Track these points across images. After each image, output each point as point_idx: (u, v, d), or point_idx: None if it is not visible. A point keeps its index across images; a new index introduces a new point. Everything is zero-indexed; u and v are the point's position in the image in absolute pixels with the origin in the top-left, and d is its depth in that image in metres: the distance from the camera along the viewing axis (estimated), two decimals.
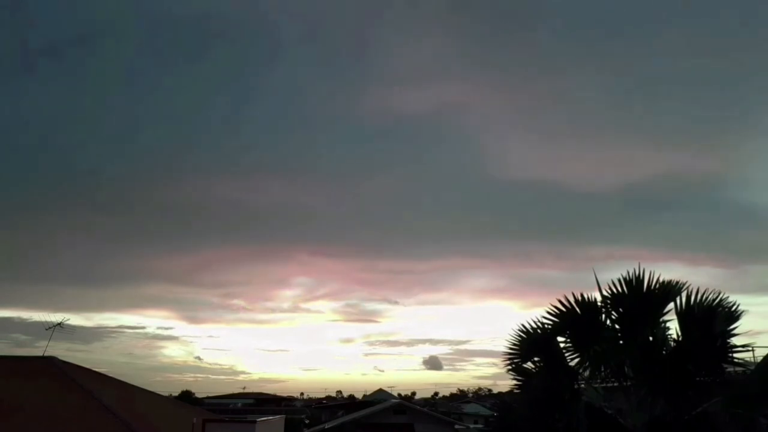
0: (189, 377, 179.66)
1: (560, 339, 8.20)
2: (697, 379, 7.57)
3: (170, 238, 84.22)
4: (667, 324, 7.80)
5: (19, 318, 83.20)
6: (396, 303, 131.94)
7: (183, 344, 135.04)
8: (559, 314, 8.03)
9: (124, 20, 71.22)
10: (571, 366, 8.03)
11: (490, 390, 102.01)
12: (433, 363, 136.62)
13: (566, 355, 8.10)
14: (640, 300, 7.63)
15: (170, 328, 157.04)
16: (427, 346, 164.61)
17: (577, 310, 7.96)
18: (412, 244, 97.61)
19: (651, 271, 7.62)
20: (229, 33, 75.37)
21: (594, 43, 71.05)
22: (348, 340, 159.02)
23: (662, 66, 68.03)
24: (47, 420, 15.91)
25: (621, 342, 7.91)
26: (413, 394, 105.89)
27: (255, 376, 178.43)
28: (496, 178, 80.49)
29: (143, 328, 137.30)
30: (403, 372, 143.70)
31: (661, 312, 7.72)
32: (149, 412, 20.58)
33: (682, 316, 7.51)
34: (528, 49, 73.42)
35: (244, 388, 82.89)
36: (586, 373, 8.06)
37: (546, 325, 8.20)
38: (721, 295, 7.36)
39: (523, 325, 8.39)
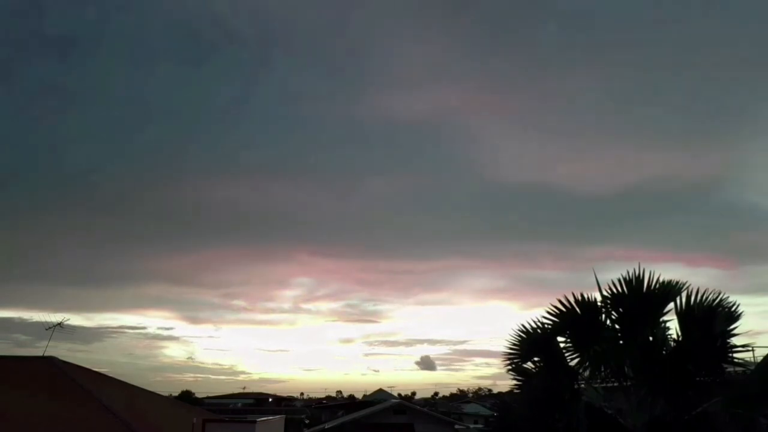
0: (189, 377, 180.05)
1: (560, 339, 8.20)
2: (697, 379, 7.57)
3: (171, 238, 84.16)
4: (667, 324, 7.81)
5: (19, 318, 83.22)
6: (396, 303, 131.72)
7: (183, 344, 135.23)
8: (559, 314, 8.04)
9: (124, 22, 71.20)
10: (571, 366, 8.03)
11: (490, 390, 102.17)
12: (426, 363, 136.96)
13: (566, 355, 8.11)
14: (640, 300, 7.64)
15: (171, 329, 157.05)
16: (425, 346, 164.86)
17: (577, 310, 7.96)
18: (412, 244, 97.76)
19: (651, 271, 7.64)
20: (229, 35, 75.27)
21: (592, 44, 71.08)
22: (348, 340, 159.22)
23: (661, 67, 68.11)
24: (47, 420, 15.90)
25: (621, 342, 7.91)
26: (413, 394, 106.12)
27: (255, 376, 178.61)
28: (496, 180, 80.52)
29: (144, 328, 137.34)
30: (398, 372, 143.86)
31: (661, 312, 7.72)
32: (149, 412, 20.59)
33: (682, 316, 7.52)
34: (526, 52, 73.48)
35: (244, 388, 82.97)
36: (586, 373, 8.06)
37: (546, 325, 8.20)
38: (721, 296, 7.37)
39: (523, 325, 8.40)
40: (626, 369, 7.81)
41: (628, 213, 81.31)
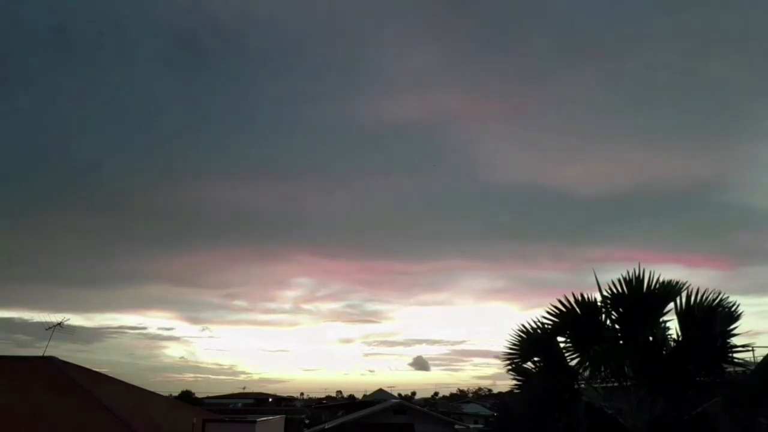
0: (189, 377, 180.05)
1: (560, 339, 8.21)
2: (697, 379, 7.57)
3: (171, 238, 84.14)
4: (667, 324, 7.81)
5: (20, 319, 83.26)
6: (396, 304, 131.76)
7: (184, 344, 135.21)
8: (559, 314, 8.04)
9: (124, 24, 71.27)
10: (571, 366, 8.03)
11: (490, 390, 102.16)
12: (420, 363, 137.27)
13: (566, 355, 8.11)
14: (640, 300, 7.64)
15: (171, 329, 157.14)
16: (424, 346, 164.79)
17: (577, 310, 7.96)
18: (412, 245, 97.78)
19: (651, 271, 7.65)
20: (229, 38, 75.40)
21: (590, 46, 71.16)
22: (348, 341, 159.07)
23: (660, 68, 68.11)
24: (47, 420, 15.90)
25: (621, 342, 7.91)
26: (413, 394, 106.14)
27: (255, 376, 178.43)
28: (495, 181, 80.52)
29: (144, 328, 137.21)
30: (392, 372, 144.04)
31: (661, 312, 7.72)
32: (149, 412, 20.58)
33: (682, 316, 7.52)
34: (523, 54, 73.54)
35: (244, 388, 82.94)
36: (586, 373, 8.06)
37: (546, 325, 8.20)
38: (720, 296, 7.37)
39: (523, 325, 8.40)
40: (626, 369, 7.81)
41: (626, 214, 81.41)
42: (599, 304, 7.93)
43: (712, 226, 77.94)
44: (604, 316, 7.97)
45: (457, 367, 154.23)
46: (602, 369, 7.90)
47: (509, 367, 8.48)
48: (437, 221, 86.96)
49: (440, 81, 77.61)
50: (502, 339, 8.60)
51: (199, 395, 74.70)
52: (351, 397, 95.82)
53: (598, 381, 8.10)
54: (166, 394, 43.38)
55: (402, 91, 73.52)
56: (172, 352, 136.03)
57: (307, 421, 45.62)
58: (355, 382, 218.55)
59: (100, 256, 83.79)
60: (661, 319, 7.78)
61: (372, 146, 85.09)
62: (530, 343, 8.28)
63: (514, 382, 8.49)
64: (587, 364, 7.96)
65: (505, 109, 68.86)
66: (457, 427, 40.00)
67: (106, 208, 74.44)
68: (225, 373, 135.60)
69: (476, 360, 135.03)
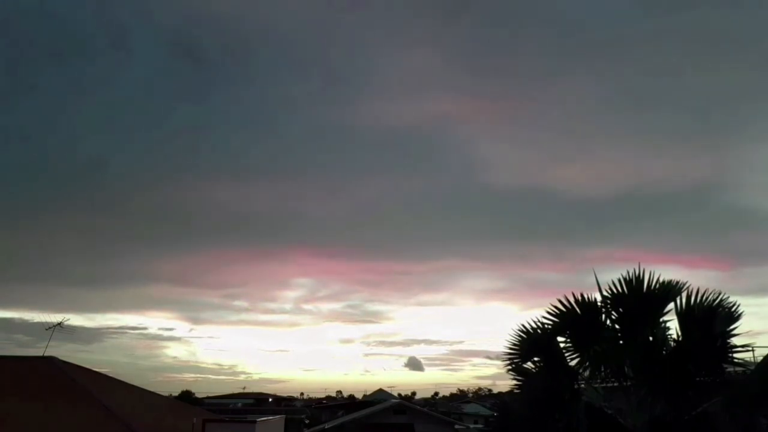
0: (189, 377, 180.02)
1: (560, 339, 8.20)
2: (697, 379, 7.57)
3: (172, 239, 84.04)
4: (667, 324, 7.81)
5: (20, 319, 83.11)
6: (397, 304, 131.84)
7: (184, 345, 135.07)
8: (559, 314, 8.03)
9: (123, 25, 71.36)
10: (571, 366, 8.03)
11: (490, 390, 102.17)
12: (414, 364, 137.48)
13: (566, 355, 8.10)
14: (640, 300, 7.63)
15: (172, 329, 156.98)
16: (423, 346, 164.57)
17: (577, 310, 7.96)
18: (413, 245, 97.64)
19: (651, 271, 7.63)
20: (229, 42, 75.54)
21: (588, 48, 71.25)
22: (348, 341, 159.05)
23: (659, 70, 68.20)
24: (47, 420, 15.90)
25: (621, 342, 7.91)
26: (413, 394, 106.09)
27: (255, 377, 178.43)
28: (494, 182, 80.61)
29: (145, 328, 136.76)
30: (388, 372, 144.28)
31: (661, 312, 7.72)
32: (149, 412, 20.58)
33: (682, 316, 7.51)
34: (522, 57, 73.66)
35: (244, 388, 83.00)
36: (586, 373, 8.05)
37: (546, 325, 8.20)
38: (720, 296, 7.36)
39: (523, 325, 8.39)
40: (626, 369, 7.81)
41: (625, 215, 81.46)
42: (599, 304, 7.93)
43: (711, 227, 78.02)
44: (604, 316, 7.96)
45: (456, 367, 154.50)
46: (602, 369, 7.89)
47: (509, 367, 8.48)
48: (437, 222, 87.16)
49: (439, 83, 77.92)
50: (502, 339, 8.61)
51: (199, 395, 74.74)
52: (351, 397, 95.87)
53: (598, 381, 8.10)
54: (166, 394, 43.41)
55: (402, 93, 73.89)
56: (173, 352, 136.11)
57: (307, 421, 45.61)
58: (355, 382, 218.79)
59: (100, 256, 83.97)
60: (661, 319, 7.77)
61: (372, 147, 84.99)
62: (530, 343, 8.27)
63: (514, 382, 8.48)
64: (587, 364, 7.95)
65: (506, 111, 68.95)
66: (457, 427, 40.00)
67: (106, 208, 74.47)
68: (225, 373, 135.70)
69: (476, 360, 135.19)
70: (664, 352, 7.76)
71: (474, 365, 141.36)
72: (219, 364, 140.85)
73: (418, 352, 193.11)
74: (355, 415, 41.04)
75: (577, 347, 8.02)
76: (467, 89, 73.92)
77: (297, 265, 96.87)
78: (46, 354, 20.24)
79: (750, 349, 7.46)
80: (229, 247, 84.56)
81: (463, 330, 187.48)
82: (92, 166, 74.92)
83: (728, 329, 7.24)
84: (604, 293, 7.86)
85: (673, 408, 7.36)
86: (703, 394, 7.34)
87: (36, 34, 70.76)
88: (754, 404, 6.84)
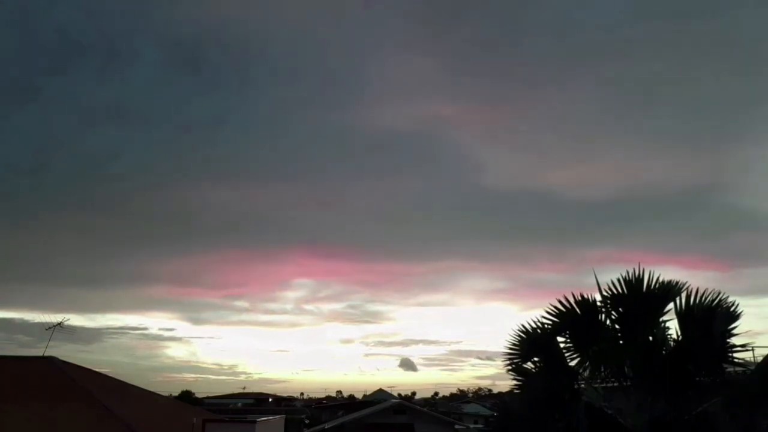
0: (189, 377, 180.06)
1: (560, 339, 8.20)
2: (697, 379, 7.58)
3: (173, 239, 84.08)
4: (667, 324, 7.80)
5: (21, 319, 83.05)
6: (397, 304, 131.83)
7: (184, 345, 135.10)
8: (559, 314, 8.03)
9: (123, 31, 71.56)
10: (571, 366, 8.02)
11: (490, 390, 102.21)
12: (408, 364, 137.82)
13: (566, 355, 8.10)
14: (640, 300, 7.63)
15: (172, 329, 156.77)
16: (423, 346, 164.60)
17: (577, 310, 7.95)
18: (413, 246, 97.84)
19: (651, 271, 7.63)
20: (227, 45, 75.79)
21: (588, 50, 71.27)
22: (348, 341, 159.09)
23: (658, 71, 68.26)
24: (47, 420, 15.90)
25: (621, 342, 7.91)
26: (413, 394, 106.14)
27: (255, 377, 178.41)
28: (494, 184, 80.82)
29: (146, 329, 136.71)
30: (381, 372, 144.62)
31: (660, 312, 7.71)
32: (149, 412, 20.59)
33: (681, 316, 7.51)
34: (521, 61, 73.77)
35: (244, 388, 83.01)
36: (586, 373, 8.05)
37: (546, 325, 8.19)
38: (720, 296, 7.36)
39: (523, 325, 8.38)
40: (626, 369, 7.81)
41: (624, 216, 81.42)
42: (599, 304, 7.93)
43: (710, 228, 78.19)
44: (603, 316, 7.96)
45: (456, 367, 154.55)
46: (602, 369, 7.89)
47: (509, 367, 8.47)
48: (437, 223, 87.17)
49: (438, 87, 78.03)
50: (502, 339, 8.61)
51: (199, 395, 74.70)
52: (351, 397, 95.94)
53: (598, 381, 8.09)
54: (167, 394, 43.42)
55: (401, 97, 74.41)
56: (173, 352, 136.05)
57: (307, 421, 45.62)
58: (355, 382, 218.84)
59: (101, 256, 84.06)
60: (660, 319, 7.77)
61: (372, 149, 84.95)
62: (530, 343, 8.27)
63: (514, 382, 8.47)
64: (587, 364, 7.95)
65: (505, 113, 69.24)
66: (457, 427, 39.98)
67: (107, 208, 74.55)
68: (225, 374, 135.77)
69: (476, 360, 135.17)
70: (664, 352, 7.76)
71: (473, 365, 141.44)
72: (219, 365, 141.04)
73: (418, 352, 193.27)
74: (355, 415, 41.05)
75: (577, 347, 8.02)
76: (466, 93, 74.29)
77: (298, 265, 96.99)
78: (46, 354, 20.26)
79: (750, 349, 7.47)
80: (230, 247, 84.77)
81: (463, 330, 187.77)
82: (93, 167, 75.14)
83: (728, 329, 7.24)
84: (604, 293, 7.85)
85: (673, 408, 7.35)
86: (703, 394, 7.34)
87: (37, 35, 70.78)
88: (754, 404, 6.83)
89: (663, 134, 71.46)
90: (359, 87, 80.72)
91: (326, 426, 38.60)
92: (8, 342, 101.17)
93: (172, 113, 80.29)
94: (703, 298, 7.40)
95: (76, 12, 69.79)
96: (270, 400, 72.02)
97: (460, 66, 74.69)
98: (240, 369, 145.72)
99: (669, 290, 7.58)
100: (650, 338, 7.84)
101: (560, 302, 8.00)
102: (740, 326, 7.25)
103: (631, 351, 7.71)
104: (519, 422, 8.03)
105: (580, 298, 7.95)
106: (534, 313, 8.36)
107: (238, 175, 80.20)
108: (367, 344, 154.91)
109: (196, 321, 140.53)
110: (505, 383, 9.60)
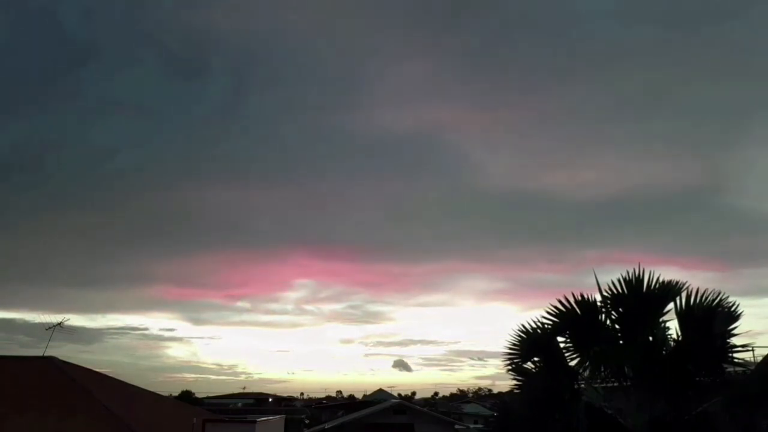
0: (189, 377, 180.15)
1: (560, 339, 8.20)
2: (697, 379, 7.57)
3: (174, 240, 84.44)
4: (667, 324, 7.80)
5: (21, 319, 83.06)
6: (398, 305, 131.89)
7: (185, 345, 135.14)
8: (559, 314, 8.03)
9: (123, 34, 71.66)
10: (571, 366, 8.02)
11: (489, 390, 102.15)
12: (402, 364, 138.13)
13: (566, 355, 8.09)
14: (640, 300, 7.63)
15: (173, 330, 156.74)
16: (423, 346, 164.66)
17: (577, 310, 7.95)
18: (413, 247, 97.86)
19: (651, 271, 7.62)
20: (228, 47, 75.94)
21: (587, 53, 71.40)
22: (348, 341, 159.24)
23: (658, 74, 68.35)
24: (47, 420, 15.90)
25: (621, 342, 7.90)
26: (413, 394, 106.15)
27: (255, 377, 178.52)
28: (493, 186, 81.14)
29: (146, 329, 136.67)
30: (375, 372, 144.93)
31: (660, 312, 7.71)
32: (149, 412, 20.59)
33: (681, 316, 7.51)
34: (520, 63, 73.98)
35: (244, 388, 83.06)
36: (586, 373, 8.05)
37: (546, 326, 8.19)
38: (720, 296, 7.36)
39: (523, 326, 8.38)
40: (626, 369, 7.81)
41: (624, 217, 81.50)
42: (599, 304, 7.93)
43: (708, 230, 78.42)
44: (603, 316, 7.96)
45: (456, 367, 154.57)
46: (602, 369, 7.89)
47: (509, 367, 8.47)
48: (437, 224, 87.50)
49: (437, 91, 78.40)
50: (502, 339, 8.61)
51: (199, 395, 74.73)
52: (351, 397, 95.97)
53: (598, 381, 8.09)
54: (167, 394, 43.42)
55: (400, 101, 74.72)
56: (174, 352, 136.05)
57: (307, 421, 45.63)
58: (355, 382, 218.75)
59: (101, 256, 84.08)
60: (660, 320, 7.77)
61: (372, 151, 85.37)
62: (530, 343, 8.27)
63: (514, 382, 8.47)
64: (587, 364, 7.95)
65: (504, 117, 69.28)
66: (457, 427, 39.95)
67: (107, 209, 74.58)
68: (225, 374, 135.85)
69: (476, 360, 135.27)
70: (663, 352, 7.76)
71: (473, 366, 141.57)
72: (219, 365, 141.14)
73: (417, 352, 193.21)
74: (355, 415, 41.05)
75: (577, 347, 8.02)
76: (464, 97, 74.79)
77: (298, 266, 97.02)
78: (46, 354, 20.25)
79: (750, 349, 7.48)
80: (231, 247, 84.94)
81: (463, 330, 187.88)
82: (93, 167, 75.14)
83: (728, 329, 7.24)
84: (604, 293, 7.85)
85: (673, 408, 7.35)
86: (703, 394, 7.34)
87: (37, 35, 70.79)
88: (754, 404, 6.83)
89: (662, 136, 71.62)
90: (359, 90, 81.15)
91: (326, 426, 38.61)
92: (9, 342, 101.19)
93: (173, 114, 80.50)
94: (703, 299, 7.39)
95: (77, 12, 69.95)
96: (270, 400, 72.02)
97: (459, 69, 74.90)
98: (240, 369, 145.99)
99: (669, 290, 7.57)
100: (650, 338, 7.84)
101: (560, 302, 8.00)
102: (740, 326, 7.25)
103: (631, 351, 7.71)
104: (519, 422, 8.03)
105: (580, 298, 7.95)
106: (534, 313, 8.37)
107: (239, 175, 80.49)
108: (367, 344, 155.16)
109: (197, 321, 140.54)
110: (505, 383, 9.61)
